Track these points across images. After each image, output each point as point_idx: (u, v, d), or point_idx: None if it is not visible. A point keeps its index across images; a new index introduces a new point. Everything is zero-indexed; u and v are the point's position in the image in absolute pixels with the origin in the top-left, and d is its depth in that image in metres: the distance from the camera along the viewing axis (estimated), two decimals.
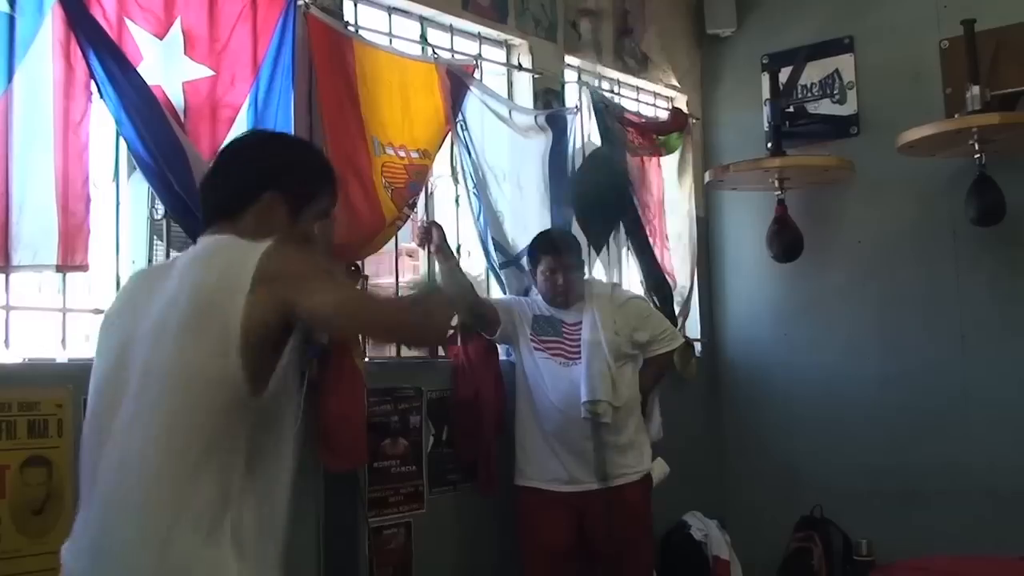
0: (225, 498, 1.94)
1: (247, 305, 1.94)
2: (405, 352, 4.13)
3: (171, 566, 1.90)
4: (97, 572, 1.99)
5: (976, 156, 4.81)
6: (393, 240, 4.10)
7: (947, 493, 5.01)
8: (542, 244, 4.32)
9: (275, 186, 2.20)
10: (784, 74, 5.44)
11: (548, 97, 4.92)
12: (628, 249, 5.26)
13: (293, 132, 3.60)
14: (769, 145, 5.40)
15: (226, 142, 2.55)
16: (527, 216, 4.58)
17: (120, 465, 1.98)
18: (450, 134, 4.30)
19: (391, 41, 4.26)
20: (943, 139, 4.80)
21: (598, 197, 4.90)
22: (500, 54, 4.87)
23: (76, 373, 3.07)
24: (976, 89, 4.73)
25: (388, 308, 2.25)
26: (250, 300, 1.94)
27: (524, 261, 4.45)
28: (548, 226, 4.56)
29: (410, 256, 4.80)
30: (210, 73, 3.42)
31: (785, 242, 5.42)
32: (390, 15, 4.30)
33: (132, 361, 2.03)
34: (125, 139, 3.20)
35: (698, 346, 5.75)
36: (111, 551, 1.96)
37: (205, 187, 2.31)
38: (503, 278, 4.48)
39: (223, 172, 2.29)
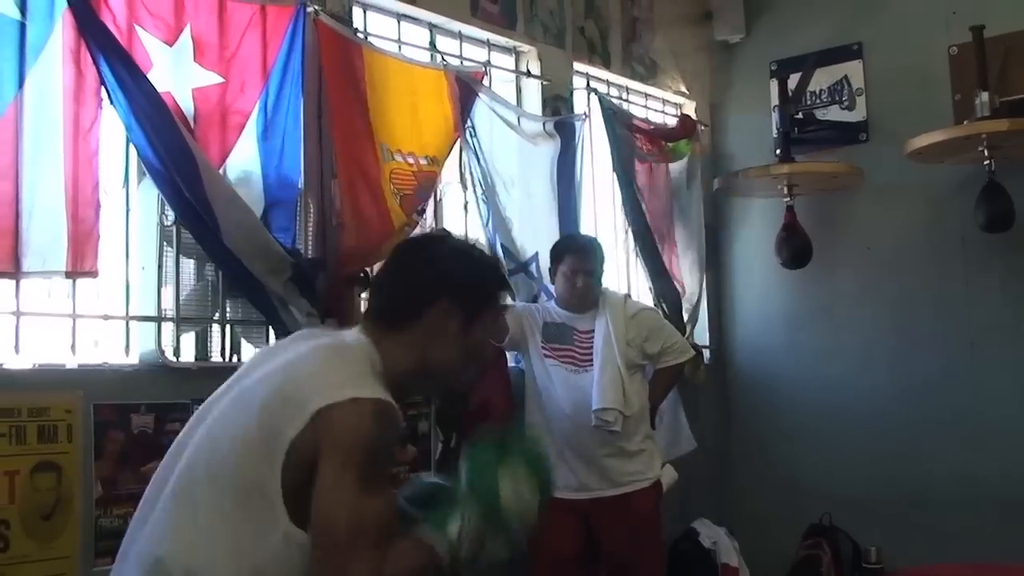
0: None
1: (301, 433, 1.80)
2: None
3: None
4: None
5: (985, 162, 4.80)
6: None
7: (956, 500, 5.00)
8: (567, 244, 4.33)
9: (448, 291, 2.06)
10: (793, 80, 5.45)
11: (557, 104, 4.93)
12: (637, 256, 5.26)
13: (302, 138, 3.61)
14: (778, 152, 5.40)
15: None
16: (536, 223, 4.58)
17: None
18: (459, 141, 4.30)
19: (400, 48, 4.27)
20: (952, 145, 4.80)
21: None
22: (509, 61, 4.88)
23: (86, 379, 3.10)
24: (985, 95, 4.73)
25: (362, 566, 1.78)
26: (304, 431, 1.80)
27: (534, 267, 4.46)
28: (556, 232, 4.56)
29: None
30: (220, 80, 3.42)
31: (794, 248, 5.41)
32: (399, 22, 4.30)
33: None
34: (135, 145, 3.21)
35: (707, 353, 5.74)
36: None
37: (377, 284, 2.20)
38: (512, 285, 4.48)
39: (394, 278, 2.14)
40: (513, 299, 2.15)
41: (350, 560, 1.75)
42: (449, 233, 2.32)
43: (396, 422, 1.90)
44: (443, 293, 2.05)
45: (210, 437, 1.92)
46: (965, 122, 4.83)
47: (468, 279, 2.10)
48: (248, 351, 3.60)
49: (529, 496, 2.02)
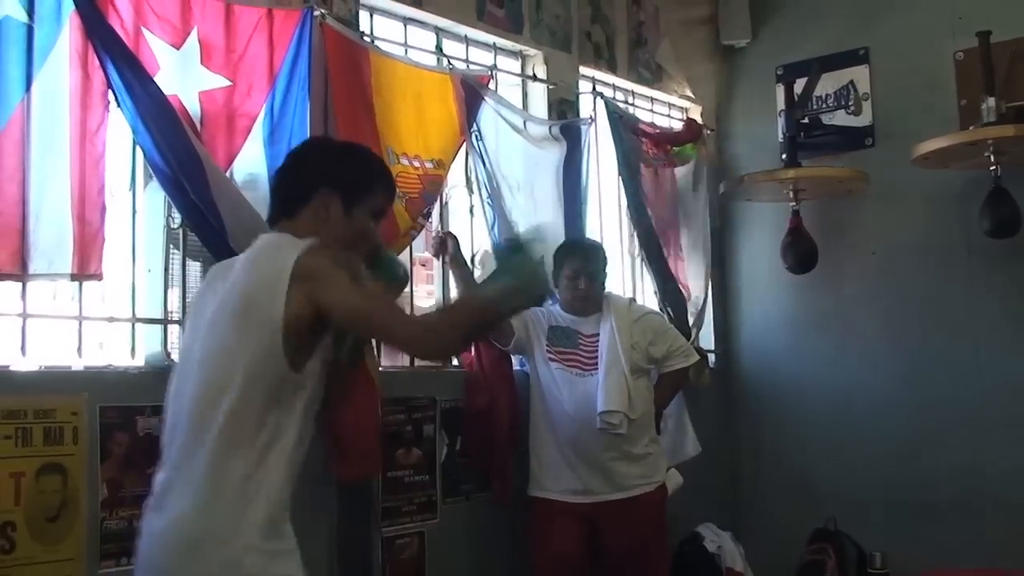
0: (278, 465, 2.30)
1: (287, 300, 2.25)
2: (419, 362, 4.13)
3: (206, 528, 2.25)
4: (159, 527, 2.32)
5: (991, 168, 4.80)
6: (407, 250, 4.10)
7: (962, 506, 4.99)
8: (569, 247, 4.35)
9: (328, 183, 2.48)
10: (799, 85, 5.45)
11: (562, 108, 4.93)
12: (642, 260, 5.26)
13: None
14: (784, 156, 5.40)
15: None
16: (541, 226, 4.58)
17: (182, 436, 2.34)
18: (464, 144, 4.30)
19: (406, 51, 4.28)
20: (958, 151, 4.79)
21: None
22: (515, 65, 4.88)
23: (91, 381, 3.11)
24: (991, 100, 4.73)
25: (400, 321, 2.41)
26: (288, 295, 2.25)
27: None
28: (561, 236, 4.57)
29: (424, 266, 4.80)
30: (226, 83, 3.43)
31: (800, 253, 5.41)
32: (405, 25, 4.31)
33: (196, 344, 2.41)
34: (142, 148, 3.21)
35: (712, 357, 5.74)
36: (168, 510, 2.31)
37: (271, 189, 2.64)
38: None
39: (283, 174, 2.60)
40: (394, 191, 2.73)
41: (395, 324, 2.37)
42: (333, 138, 3.01)
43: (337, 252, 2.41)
44: (322, 183, 2.49)
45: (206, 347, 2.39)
46: (971, 127, 4.82)
47: (344, 170, 2.54)
48: None
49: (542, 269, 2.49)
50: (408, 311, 2.44)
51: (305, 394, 2.35)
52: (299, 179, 2.54)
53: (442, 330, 2.36)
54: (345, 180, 2.51)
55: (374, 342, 3.41)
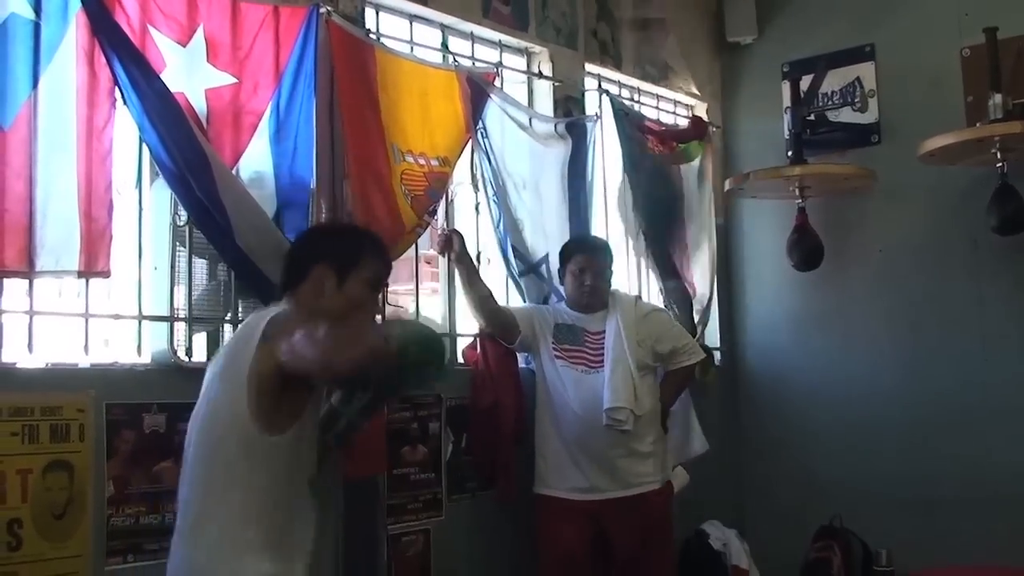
0: (247, 514, 2.45)
1: (253, 360, 2.39)
2: None
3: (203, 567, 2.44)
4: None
5: (998, 165, 4.78)
6: (413, 248, 4.11)
7: (968, 503, 4.99)
8: (575, 243, 4.36)
9: (323, 259, 2.65)
10: (805, 82, 5.44)
11: (568, 105, 4.93)
12: (647, 257, 5.25)
13: (315, 139, 3.62)
14: (789, 153, 5.39)
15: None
16: (546, 223, 4.59)
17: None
18: (470, 142, 4.30)
19: (412, 49, 4.27)
20: (964, 148, 4.78)
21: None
22: (520, 62, 4.88)
23: (98, 378, 3.11)
24: (998, 97, 4.72)
25: (312, 347, 2.37)
26: (255, 356, 2.39)
27: (544, 268, 4.46)
28: (567, 234, 4.57)
29: (429, 263, 4.81)
30: (233, 80, 3.43)
31: (805, 250, 5.41)
32: (411, 23, 4.31)
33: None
34: (148, 145, 3.21)
35: (717, 355, 5.74)
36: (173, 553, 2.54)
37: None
38: (523, 286, 4.48)
39: (288, 254, 2.84)
40: (387, 262, 2.84)
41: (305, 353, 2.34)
42: (335, 221, 3.44)
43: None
44: (316, 260, 2.66)
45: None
46: (978, 124, 4.81)
47: (336, 246, 2.73)
48: None
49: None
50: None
51: (282, 457, 2.48)
52: (299, 257, 2.75)
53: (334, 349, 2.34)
54: (337, 255, 2.67)
55: None
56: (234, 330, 3.48)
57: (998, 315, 5.09)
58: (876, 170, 5.30)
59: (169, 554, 2.55)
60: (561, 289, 4.42)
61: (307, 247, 2.82)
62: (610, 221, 5.15)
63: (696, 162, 5.64)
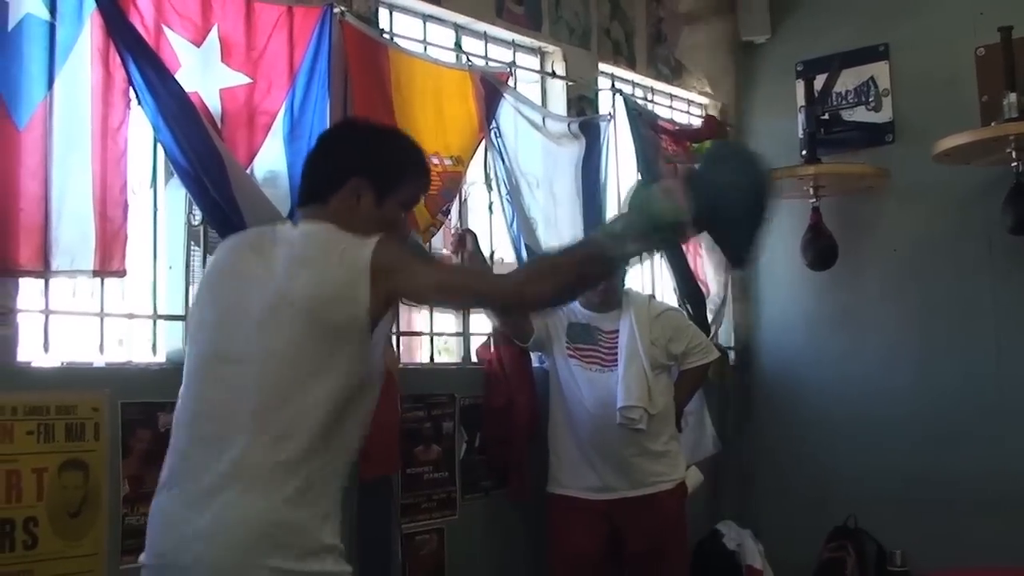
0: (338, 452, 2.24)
1: (371, 297, 2.16)
2: (438, 358, 4.13)
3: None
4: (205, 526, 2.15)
5: (1013, 164, 4.77)
6: (427, 247, 4.11)
7: (983, 504, 4.97)
8: None
9: (362, 171, 2.37)
10: (819, 81, 5.43)
11: (582, 104, 4.93)
12: (661, 257, 5.25)
13: None
14: (803, 153, 5.38)
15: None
16: (560, 223, 4.59)
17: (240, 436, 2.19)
18: (484, 141, 4.30)
19: (426, 48, 4.28)
20: (979, 147, 4.77)
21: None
22: (534, 61, 4.88)
23: (113, 377, 3.12)
24: (1013, 96, 4.70)
25: (491, 283, 2.47)
26: (373, 292, 2.16)
27: None
28: (580, 233, 4.57)
29: None
30: (247, 80, 3.44)
31: (819, 250, 5.39)
32: (425, 22, 4.31)
33: (236, 342, 2.24)
34: (163, 145, 3.22)
35: (731, 354, 5.73)
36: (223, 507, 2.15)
37: (303, 171, 2.50)
38: None
39: (316, 156, 2.49)
40: (429, 182, 2.65)
41: (488, 288, 2.36)
42: (368, 120, 2.80)
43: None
44: (355, 170, 2.37)
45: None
46: (992, 124, 4.80)
47: (379, 157, 2.42)
48: None
49: (682, 205, 2.18)
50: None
51: (371, 395, 2.33)
52: (332, 164, 2.43)
53: (534, 279, 2.26)
54: (379, 168, 2.40)
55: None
56: None
57: (1014, 315, 5.06)
58: (890, 170, 5.29)
59: (168, 512, 2.26)
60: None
61: (343, 152, 2.45)
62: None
63: None
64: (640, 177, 4.41)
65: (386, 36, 4.07)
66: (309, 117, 3.57)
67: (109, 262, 3.06)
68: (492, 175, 4.42)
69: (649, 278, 5.36)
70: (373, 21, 3.98)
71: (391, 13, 4.18)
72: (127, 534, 3.06)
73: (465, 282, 2.40)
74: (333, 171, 2.40)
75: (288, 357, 2.18)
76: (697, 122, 5.76)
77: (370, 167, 2.38)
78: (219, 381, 2.24)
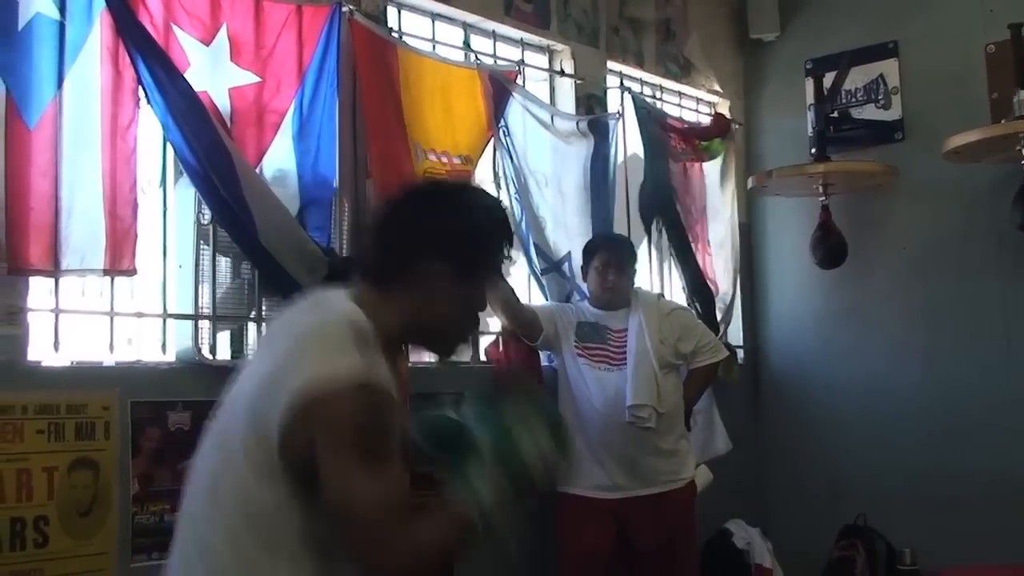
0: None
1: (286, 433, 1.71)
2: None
3: None
4: None
5: (1023, 161, 4.75)
6: None
7: (992, 501, 4.95)
8: (599, 240, 4.36)
9: (437, 251, 1.89)
10: (828, 79, 5.41)
11: (590, 103, 4.92)
12: (670, 255, 5.24)
13: (337, 138, 3.63)
14: (813, 150, 5.36)
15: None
16: (569, 222, 4.58)
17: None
18: (492, 140, 4.30)
19: (434, 47, 4.28)
20: (989, 144, 4.75)
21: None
22: (543, 60, 4.87)
23: (123, 376, 3.13)
24: (1023, 94, 4.68)
25: (390, 535, 1.77)
26: (288, 426, 1.70)
27: (567, 266, 4.46)
28: (589, 232, 4.57)
29: None
30: (256, 79, 3.45)
31: (829, 248, 5.38)
32: (433, 21, 4.31)
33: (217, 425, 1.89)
34: (172, 144, 3.23)
35: (740, 353, 5.72)
36: None
37: (371, 244, 2.00)
38: (545, 284, 4.48)
39: (382, 232, 1.97)
40: (510, 260, 2.06)
41: (384, 543, 1.72)
42: (455, 184, 2.18)
43: (380, 393, 1.74)
44: (435, 253, 1.89)
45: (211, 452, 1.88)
46: (1002, 121, 4.78)
47: (465, 239, 1.92)
48: None
49: (551, 456, 1.88)
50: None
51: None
52: (398, 242, 1.92)
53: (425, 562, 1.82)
54: (464, 250, 1.92)
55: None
56: (258, 328, 3.51)
57: (1023, 312, 5.05)
58: (900, 167, 5.27)
59: None
60: (583, 287, 4.41)
61: (412, 228, 1.92)
62: (632, 219, 5.13)
63: (719, 160, 5.63)
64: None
65: (395, 35, 4.07)
66: (318, 116, 3.58)
67: (119, 261, 3.07)
68: (501, 174, 4.41)
69: (658, 277, 5.35)
70: (382, 20, 3.98)
71: (400, 12, 4.18)
72: (137, 533, 3.07)
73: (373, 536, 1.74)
74: (396, 248, 1.92)
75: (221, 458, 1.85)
76: (706, 120, 5.75)
77: (445, 245, 1.90)
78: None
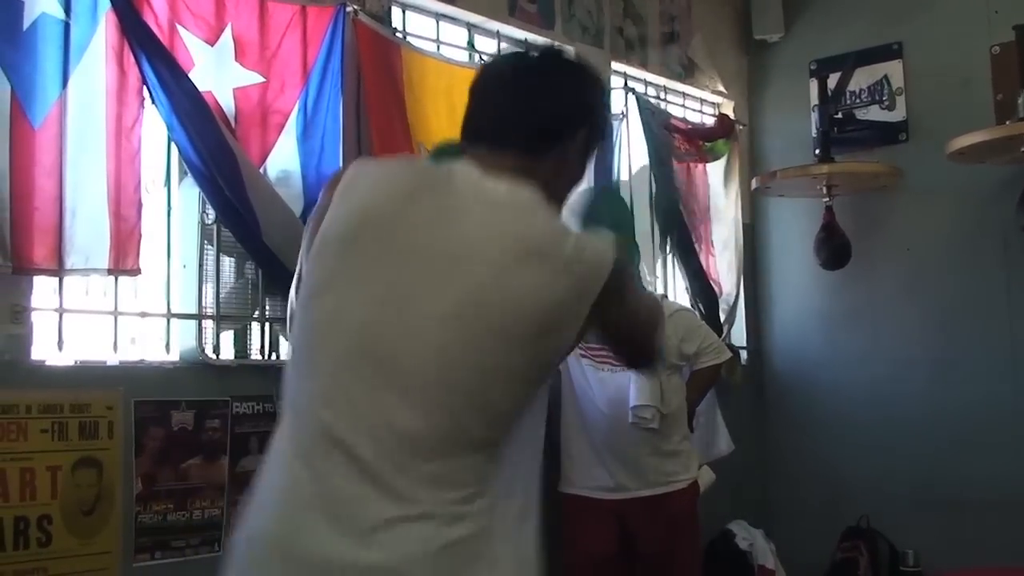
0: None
1: (585, 320, 1.73)
2: None
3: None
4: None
5: None
6: None
7: (995, 504, 4.95)
8: None
9: (587, 120, 1.90)
10: (832, 80, 5.41)
11: None
12: (673, 256, 5.24)
13: (341, 138, 3.64)
14: (817, 151, 5.36)
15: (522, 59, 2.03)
16: (571, 222, 4.57)
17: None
18: None
19: (439, 47, 4.28)
20: (993, 146, 4.75)
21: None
22: None
23: (126, 376, 3.13)
24: None
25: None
26: (589, 315, 1.73)
27: None
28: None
29: None
30: (260, 79, 3.45)
31: (833, 249, 5.38)
32: (438, 21, 4.31)
33: (422, 278, 1.68)
34: (176, 144, 3.24)
35: (744, 354, 5.72)
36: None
37: (510, 108, 1.87)
38: None
39: (546, 95, 1.88)
40: None
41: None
42: (577, 56, 2.07)
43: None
44: (582, 122, 1.88)
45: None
46: (1007, 122, 4.77)
47: (602, 110, 2.01)
48: (286, 349, 3.62)
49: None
50: None
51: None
52: (567, 109, 1.88)
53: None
54: (598, 118, 1.96)
55: None
56: (262, 328, 3.52)
57: None
58: (904, 168, 5.27)
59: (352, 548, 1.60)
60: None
61: (566, 97, 1.88)
62: (636, 219, 5.13)
63: (722, 161, 5.63)
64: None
65: (399, 35, 4.07)
66: (322, 116, 3.58)
67: (123, 261, 3.07)
68: None
69: (661, 277, 5.35)
70: (386, 20, 3.98)
71: (404, 12, 4.18)
72: (140, 532, 3.07)
73: (653, 315, 2.00)
74: (566, 119, 1.87)
75: (489, 367, 1.69)
76: (710, 121, 5.75)
77: (593, 114, 1.92)
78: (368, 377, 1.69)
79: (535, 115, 1.85)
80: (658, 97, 5.46)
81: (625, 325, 1.87)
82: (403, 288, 1.69)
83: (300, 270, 1.88)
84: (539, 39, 4.73)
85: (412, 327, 1.66)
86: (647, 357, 2.05)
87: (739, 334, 5.77)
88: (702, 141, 5.48)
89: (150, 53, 3.12)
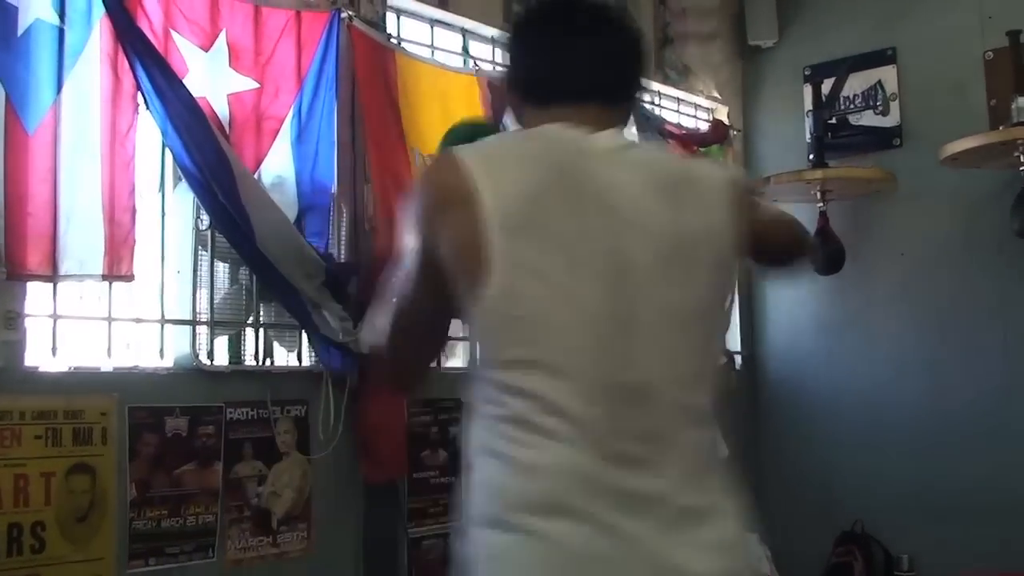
0: None
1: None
2: (445, 363, 4.13)
3: None
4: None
5: (1021, 168, 4.73)
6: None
7: (990, 509, 4.95)
8: None
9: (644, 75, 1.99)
10: (826, 85, 5.42)
11: None
12: None
13: (336, 143, 3.64)
14: (811, 157, 5.37)
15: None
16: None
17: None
18: None
19: (433, 53, 4.28)
20: (987, 151, 4.75)
21: None
22: None
23: (120, 382, 3.13)
24: (1021, 100, 4.67)
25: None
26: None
27: None
28: None
29: None
30: (255, 85, 3.45)
31: (827, 254, 5.37)
32: (432, 27, 4.32)
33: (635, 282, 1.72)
34: (171, 150, 3.23)
35: (738, 359, 5.72)
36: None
37: (599, 56, 1.86)
38: None
39: (633, 56, 1.93)
40: None
41: None
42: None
43: None
44: (646, 70, 1.97)
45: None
46: (1001, 127, 4.78)
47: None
48: (280, 354, 3.62)
49: None
50: None
51: None
52: (640, 55, 1.95)
53: None
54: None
55: None
56: (256, 334, 3.52)
57: (1022, 319, 5.05)
58: (898, 174, 5.27)
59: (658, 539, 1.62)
60: None
61: (643, 56, 1.96)
62: None
63: None
64: None
65: (393, 41, 4.06)
66: (316, 122, 3.58)
67: (117, 266, 3.07)
68: None
69: None
70: (381, 26, 3.98)
71: (399, 18, 4.18)
72: (134, 538, 3.07)
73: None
74: (641, 63, 1.94)
75: (705, 310, 1.89)
76: (704, 126, 5.76)
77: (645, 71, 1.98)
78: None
79: (619, 64, 1.88)
80: (652, 103, 5.46)
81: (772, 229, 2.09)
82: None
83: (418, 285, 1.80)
84: None
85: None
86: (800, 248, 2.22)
87: (733, 339, 5.77)
88: (696, 146, 5.47)
89: (144, 59, 3.12)
